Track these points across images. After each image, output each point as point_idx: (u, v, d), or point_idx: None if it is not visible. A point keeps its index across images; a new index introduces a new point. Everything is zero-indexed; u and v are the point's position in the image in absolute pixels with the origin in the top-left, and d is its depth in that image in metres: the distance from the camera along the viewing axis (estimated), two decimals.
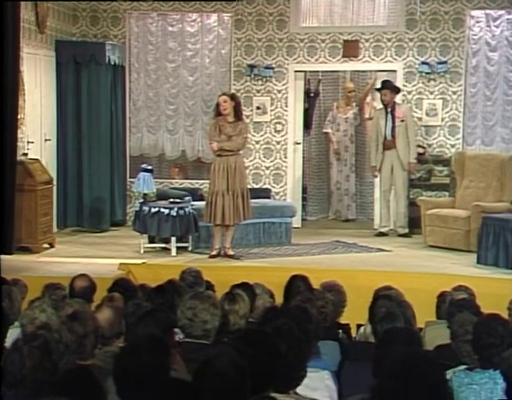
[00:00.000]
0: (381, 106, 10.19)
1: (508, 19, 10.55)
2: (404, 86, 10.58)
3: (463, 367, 3.88)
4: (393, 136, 9.92)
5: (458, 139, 10.61)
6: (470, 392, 3.63)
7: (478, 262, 8.42)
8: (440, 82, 10.58)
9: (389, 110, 9.96)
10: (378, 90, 10.16)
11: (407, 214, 10.18)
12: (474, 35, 10.65)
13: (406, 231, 10.06)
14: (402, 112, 9.95)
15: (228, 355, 3.03)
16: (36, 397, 3.01)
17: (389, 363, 3.30)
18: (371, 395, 3.00)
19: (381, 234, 10.07)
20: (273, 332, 3.37)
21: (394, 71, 10.71)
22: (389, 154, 9.97)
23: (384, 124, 9.94)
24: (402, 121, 9.86)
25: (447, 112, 10.60)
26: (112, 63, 10.67)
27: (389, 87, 9.99)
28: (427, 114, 10.60)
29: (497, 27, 10.61)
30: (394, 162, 9.97)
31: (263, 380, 3.07)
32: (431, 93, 10.55)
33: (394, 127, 9.92)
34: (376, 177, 10.29)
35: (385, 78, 10.36)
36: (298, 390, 3.16)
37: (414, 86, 10.63)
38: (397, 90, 10.09)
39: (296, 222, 10.37)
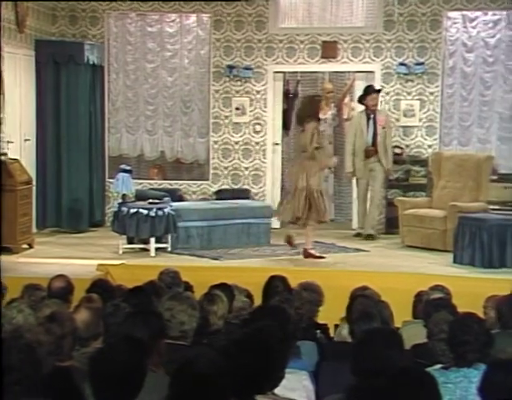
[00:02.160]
0: (361, 109, 10.13)
1: (484, 20, 10.65)
2: (382, 87, 10.65)
3: (438, 366, 3.91)
4: (373, 143, 9.87)
5: (435, 139, 10.70)
6: (445, 391, 3.65)
7: (454, 262, 8.49)
8: (418, 83, 10.66)
9: (371, 116, 9.90)
10: (364, 96, 10.03)
11: (378, 217, 10.18)
12: (451, 36, 10.73)
13: (372, 232, 9.97)
14: (383, 118, 9.91)
15: (208, 356, 3.05)
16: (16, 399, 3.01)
17: (368, 363, 3.35)
18: (348, 395, 3.03)
19: (359, 235, 10.09)
20: (255, 333, 3.39)
21: (372, 72, 10.78)
22: (370, 161, 9.95)
23: (366, 131, 9.90)
24: (383, 128, 9.79)
25: (424, 113, 10.68)
26: (91, 63, 10.66)
27: (375, 91, 9.97)
28: (404, 115, 10.67)
29: (473, 28, 10.70)
30: (373, 168, 9.96)
31: (253, 383, 3.09)
32: (409, 94, 10.63)
33: (375, 135, 9.87)
34: (351, 180, 10.30)
35: (368, 84, 10.33)
36: (276, 391, 3.17)
37: (391, 87, 10.70)
38: (378, 90, 10.14)
39: (275, 222, 10.39)
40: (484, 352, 3.80)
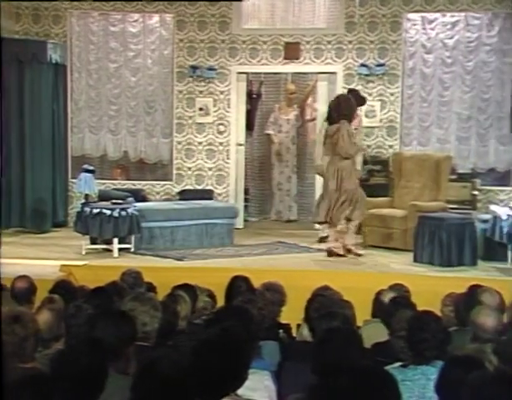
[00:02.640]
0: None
1: (443, 22, 10.77)
2: (344, 88, 10.72)
3: (397, 364, 3.96)
4: None
5: (395, 140, 10.79)
6: (404, 388, 3.67)
7: (414, 261, 8.60)
8: (378, 84, 10.75)
9: None
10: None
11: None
12: (411, 38, 10.85)
13: None
14: (357, 120, 9.74)
15: (171, 357, 3.07)
16: None
17: (327, 362, 3.40)
18: (308, 394, 3.08)
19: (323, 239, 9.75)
20: (219, 333, 3.40)
21: (334, 73, 10.85)
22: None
23: None
24: (356, 129, 9.58)
25: (385, 114, 10.77)
26: (54, 62, 10.61)
27: (359, 101, 9.59)
28: (366, 116, 10.76)
29: (432, 29, 10.83)
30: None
31: (218, 384, 3.11)
32: (370, 95, 10.72)
33: None
34: (320, 175, 9.96)
35: (351, 88, 10.11)
36: (238, 391, 3.18)
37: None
38: (363, 102, 9.75)
39: (238, 222, 10.44)
40: (442, 350, 3.86)
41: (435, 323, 3.96)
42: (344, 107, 8.89)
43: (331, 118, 8.94)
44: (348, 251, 8.89)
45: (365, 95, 10.44)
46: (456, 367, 3.28)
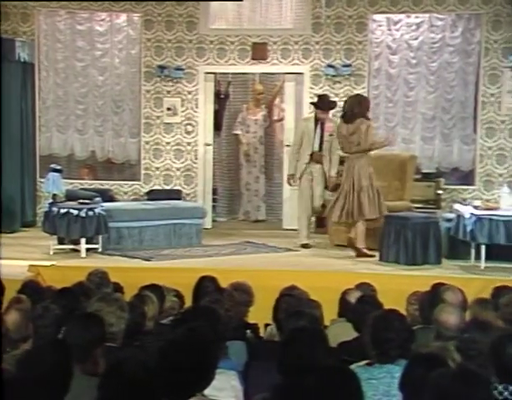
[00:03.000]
0: (311, 114, 9.92)
1: (407, 23, 10.88)
2: (311, 88, 10.81)
3: (363, 362, 4.01)
4: (320, 149, 9.54)
5: None
6: (369, 386, 3.74)
7: (380, 260, 8.68)
8: (345, 85, 10.80)
9: (319, 122, 9.53)
10: (317, 106, 9.59)
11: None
12: (376, 38, 10.95)
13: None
14: (332, 125, 9.58)
15: (138, 358, 3.10)
16: None
17: (292, 362, 3.45)
18: (273, 394, 3.12)
19: (307, 246, 9.52)
20: (187, 333, 3.43)
21: (302, 73, 10.91)
22: (315, 167, 9.57)
23: (313, 136, 9.52)
24: (330, 135, 9.53)
25: None
26: (22, 60, 10.56)
27: (330, 105, 9.58)
28: (334, 116, 10.83)
29: (397, 30, 10.94)
30: (315, 175, 9.54)
31: (185, 384, 3.13)
32: (337, 95, 10.77)
33: (322, 142, 9.54)
34: (292, 185, 9.86)
35: (321, 94, 10.07)
36: (206, 391, 3.21)
37: (320, 88, 10.82)
38: (333, 105, 9.70)
39: (206, 223, 10.44)
40: (406, 349, 3.90)
41: (399, 323, 3.99)
42: (363, 105, 9.08)
43: (348, 117, 9.06)
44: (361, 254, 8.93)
45: (332, 95, 10.55)
46: (419, 365, 3.33)
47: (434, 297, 5.19)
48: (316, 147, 9.53)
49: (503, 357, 3.53)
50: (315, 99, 9.90)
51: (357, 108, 9.01)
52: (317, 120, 9.55)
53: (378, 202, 8.94)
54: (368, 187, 8.91)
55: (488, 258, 8.34)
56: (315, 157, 9.55)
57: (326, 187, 9.59)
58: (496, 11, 10.52)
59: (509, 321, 4.62)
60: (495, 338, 3.67)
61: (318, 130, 9.52)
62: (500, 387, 3.45)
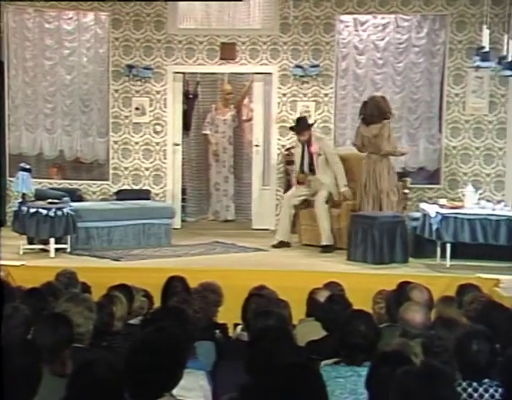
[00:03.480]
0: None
1: (374, 24, 10.97)
2: (279, 88, 10.86)
3: (331, 361, 4.06)
4: (311, 170, 9.52)
5: (330, 140, 10.89)
6: (337, 385, 3.79)
7: (348, 259, 8.76)
8: (313, 85, 10.86)
9: (305, 145, 9.56)
10: (294, 130, 9.71)
11: (329, 227, 9.53)
12: (343, 39, 11.02)
13: (328, 243, 9.42)
14: (317, 146, 9.53)
15: (105, 359, 3.12)
16: None
17: (258, 361, 3.49)
18: (240, 393, 3.15)
19: (283, 244, 9.58)
20: (155, 334, 3.44)
21: (270, 74, 10.94)
22: (299, 188, 9.63)
23: (300, 160, 9.60)
24: (319, 155, 9.52)
25: (319, 114, 10.86)
26: None
27: (304, 127, 9.57)
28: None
29: (364, 31, 11.02)
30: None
31: (154, 384, 3.14)
32: (304, 96, 10.85)
33: (311, 163, 9.55)
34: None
35: (299, 116, 10.08)
36: (173, 391, 3.22)
37: (288, 88, 10.89)
38: (307, 127, 9.63)
39: (176, 223, 10.44)
40: (372, 351, 3.94)
41: (366, 327, 4.01)
42: (384, 107, 9.39)
43: (369, 120, 9.35)
44: None
45: (300, 95, 10.62)
46: (384, 364, 3.36)
47: (400, 295, 5.25)
48: (306, 170, 9.60)
49: (467, 354, 3.59)
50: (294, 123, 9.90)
51: (376, 111, 9.34)
52: (303, 144, 9.61)
53: (397, 204, 9.28)
54: (388, 190, 9.22)
55: (453, 256, 8.45)
56: (299, 178, 9.67)
57: (335, 206, 9.55)
58: (460, 12, 10.67)
59: (473, 318, 4.69)
60: (460, 336, 3.73)
61: (306, 152, 9.59)
62: (464, 384, 3.53)
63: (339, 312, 4.70)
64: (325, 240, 9.33)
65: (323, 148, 9.60)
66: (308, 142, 9.56)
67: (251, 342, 3.69)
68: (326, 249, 9.28)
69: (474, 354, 3.57)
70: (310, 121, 9.97)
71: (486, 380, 3.54)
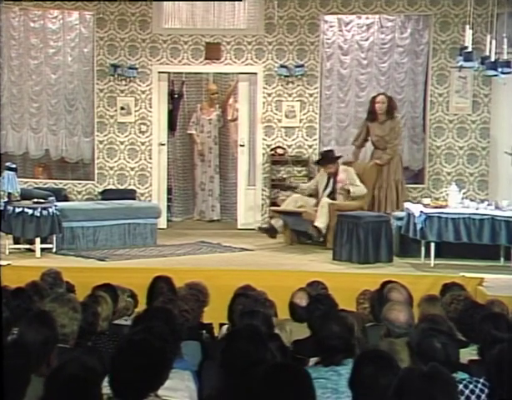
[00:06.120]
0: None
1: (358, 24, 11.04)
2: (265, 88, 10.89)
3: (312, 361, 4.11)
4: (333, 199, 9.56)
5: (315, 140, 10.95)
6: (318, 385, 3.77)
7: (334, 259, 8.80)
8: (298, 85, 10.90)
9: (331, 176, 9.68)
10: (320, 164, 9.90)
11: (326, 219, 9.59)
12: (328, 39, 11.08)
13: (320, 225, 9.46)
14: (344, 178, 9.62)
15: (78, 358, 3.13)
16: None
17: (232, 361, 3.50)
18: (218, 393, 3.16)
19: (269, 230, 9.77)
20: (141, 334, 3.45)
21: (255, 74, 10.98)
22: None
23: (323, 190, 9.68)
24: (342, 188, 9.62)
25: (304, 114, 10.92)
26: None
27: (330, 160, 9.69)
28: (286, 116, 10.94)
29: (348, 31, 11.09)
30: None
31: (140, 384, 3.16)
32: (289, 96, 10.90)
33: (334, 191, 9.65)
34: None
35: (325, 149, 10.28)
36: (159, 391, 3.23)
37: (273, 88, 10.93)
38: (337, 158, 9.78)
39: (161, 223, 10.44)
40: (350, 350, 3.96)
41: (340, 328, 4.01)
42: (394, 105, 9.99)
43: (379, 117, 9.96)
44: None
45: (285, 95, 10.65)
46: (367, 364, 3.36)
47: (383, 294, 5.29)
48: (326, 195, 9.66)
49: (426, 352, 3.60)
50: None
51: (391, 108, 10.02)
52: (329, 175, 9.73)
53: (401, 198, 9.83)
54: (402, 179, 9.98)
55: (437, 256, 8.52)
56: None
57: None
58: (444, 12, 10.74)
59: (454, 319, 4.71)
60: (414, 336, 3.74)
61: (331, 182, 9.71)
62: None
63: (321, 313, 4.71)
64: (319, 223, 9.26)
65: (350, 179, 9.66)
66: (335, 174, 9.67)
67: (226, 342, 3.67)
68: (314, 237, 9.34)
69: (431, 352, 3.59)
70: (336, 154, 9.95)
71: (466, 376, 3.57)
